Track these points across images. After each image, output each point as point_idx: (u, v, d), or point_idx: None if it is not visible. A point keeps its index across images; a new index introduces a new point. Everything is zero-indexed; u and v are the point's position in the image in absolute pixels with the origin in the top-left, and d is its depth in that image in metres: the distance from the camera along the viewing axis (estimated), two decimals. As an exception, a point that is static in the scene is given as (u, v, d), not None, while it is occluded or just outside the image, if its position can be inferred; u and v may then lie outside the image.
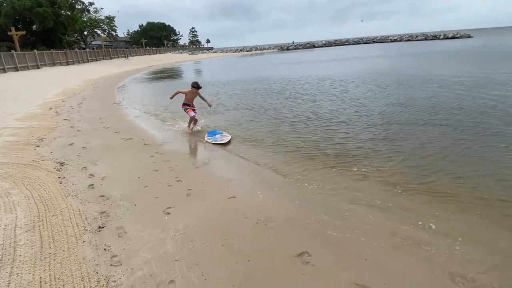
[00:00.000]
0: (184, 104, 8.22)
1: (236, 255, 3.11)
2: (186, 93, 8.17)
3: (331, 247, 3.21)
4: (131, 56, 63.71)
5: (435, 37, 79.31)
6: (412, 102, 9.86)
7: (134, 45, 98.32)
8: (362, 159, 5.51)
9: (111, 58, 55.56)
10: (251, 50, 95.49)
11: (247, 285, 2.71)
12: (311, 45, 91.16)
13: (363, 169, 5.08)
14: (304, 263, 2.98)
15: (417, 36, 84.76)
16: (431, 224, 3.49)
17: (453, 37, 74.57)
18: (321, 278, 2.79)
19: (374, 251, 3.13)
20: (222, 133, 7.53)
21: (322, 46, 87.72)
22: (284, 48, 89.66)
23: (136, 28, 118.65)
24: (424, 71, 17.95)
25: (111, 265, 2.98)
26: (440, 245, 3.13)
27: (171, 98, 8.48)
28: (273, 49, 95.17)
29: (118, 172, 5.38)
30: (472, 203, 3.92)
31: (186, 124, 8.52)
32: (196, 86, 8.14)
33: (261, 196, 4.39)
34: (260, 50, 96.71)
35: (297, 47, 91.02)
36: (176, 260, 3.02)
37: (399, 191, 4.30)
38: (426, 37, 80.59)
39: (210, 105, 8.55)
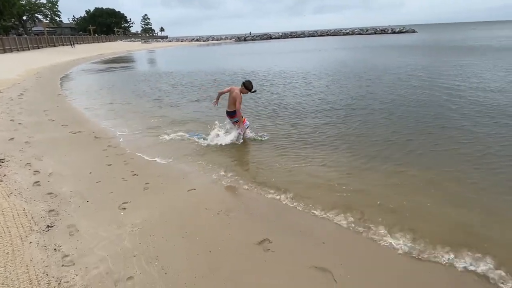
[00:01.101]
0: (233, 113, 6.08)
1: (198, 246, 3.08)
2: (233, 95, 5.96)
3: (290, 233, 3.29)
4: (77, 44, 59.45)
5: (383, 31, 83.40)
6: (372, 94, 10.34)
7: (80, 32, 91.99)
8: (319, 147, 5.69)
9: (55, 46, 51.44)
10: (208, 40, 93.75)
11: (209, 275, 2.70)
12: (268, 37, 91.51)
13: (320, 157, 5.24)
14: (265, 250, 3.03)
15: (367, 30, 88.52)
16: (379, 202, 3.70)
17: (400, 32, 79.04)
18: (282, 263, 2.85)
19: (331, 234, 3.27)
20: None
21: (278, 38, 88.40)
22: (241, 39, 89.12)
23: (83, 13, 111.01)
24: (381, 63, 18.91)
25: (62, 265, 2.80)
26: (388, 224, 3.34)
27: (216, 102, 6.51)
28: (230, 39, 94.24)
29: (67, 168, 5.04)
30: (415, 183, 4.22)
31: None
32: (249, 87, 5.98)
33: (221, 187, 4.37)
34: (217, 40, 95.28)
35: (254, 38, 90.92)
36: (134, 256, 2.92)
37: (351, 175, 4.51)
38: (375, 31, 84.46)
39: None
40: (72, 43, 55.57)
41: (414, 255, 2.91)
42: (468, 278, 2.65)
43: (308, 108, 8.69)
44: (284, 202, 3.91)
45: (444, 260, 2.84)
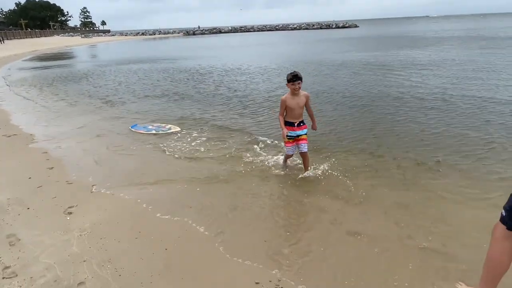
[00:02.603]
0: (288, 124, 4.27)
1: (153, 245, 3.03)
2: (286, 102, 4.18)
3: (244, 223, 3.37)
4: (7, 39, 54.09)
5: (328, 26, 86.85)
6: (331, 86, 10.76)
7: (11, 27, 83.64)
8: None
9: (-21, 41, 46.29)
10: (154, 34, 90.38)
11: (166, 272, 2.68)
12: (218, 31, 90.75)
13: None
14: (222, 240, 3.07)
15: (313, 25, 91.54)
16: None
17: (343, 27, 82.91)
18: (240, 254, 2.91)
19: (286, 219, 3.41)
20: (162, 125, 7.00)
21: (228, 32, 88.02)
22: (190, 33, 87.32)
23: (12, 6, 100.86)
24: (334, 55, 19.69)
25: (3, 277, 2.60)
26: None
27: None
28: (178, 33, 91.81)
29: (3, 174, 4.64)
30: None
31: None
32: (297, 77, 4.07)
33: (172, 185, 4.31)
34: (164, 34, 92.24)
35: (203, 32, 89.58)
36: (84, 261, 2.79)
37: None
38: (321, 26, 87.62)
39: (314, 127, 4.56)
40: (1, 39, 50.40)
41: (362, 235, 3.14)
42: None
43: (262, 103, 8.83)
44: (236, 192, 3.97)
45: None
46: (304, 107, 4.27)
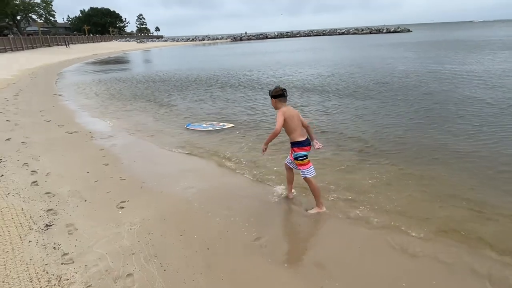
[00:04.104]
0: (296, 146, 3.57)
1: (196, 244, 3.13)
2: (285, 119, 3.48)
3: (284, 230, 3.36)
4: (72, 44, 59.13)
5: (378, 31, 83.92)
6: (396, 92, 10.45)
7: (75, 32, 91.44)
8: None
9: (49, 46, 51.13)
10: (203, 40, 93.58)
11: (208, 272, 2.75)
12: (264, 36, 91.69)
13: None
14: (261, 246, 3.09)
15: (362, 30, 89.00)
16: (371, 196, 3.77)
17: (395, 31, 79.53)
18: (280, 259, 2.91)
19: (326, 231, 3.34)
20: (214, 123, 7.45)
21: (274, 38, 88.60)
22: (237, 38, 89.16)
23: (78, 13, 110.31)
24: (391, 59, 19.07)
25: (62, 263, 2.84)
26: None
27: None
28: (226, 39, 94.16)
29: (65, 168, 5.06)
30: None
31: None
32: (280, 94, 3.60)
33: (218, 186, 4.42)
34: (213, 40, 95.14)
35: (250, 37, 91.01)
36: (133, 254, 2.96)
37: (343, 172, 4.58)
38: (371, 31, 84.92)
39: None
40: (66, 43, 55.25)
41: (406, 251, 2.98)
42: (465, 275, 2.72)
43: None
44: (278, 200, 3.96)
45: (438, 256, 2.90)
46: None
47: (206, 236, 3.26)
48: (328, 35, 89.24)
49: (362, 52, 29.25)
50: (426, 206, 3.70)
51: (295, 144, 3.56)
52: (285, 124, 3.48)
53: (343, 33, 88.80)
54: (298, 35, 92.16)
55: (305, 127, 3.69)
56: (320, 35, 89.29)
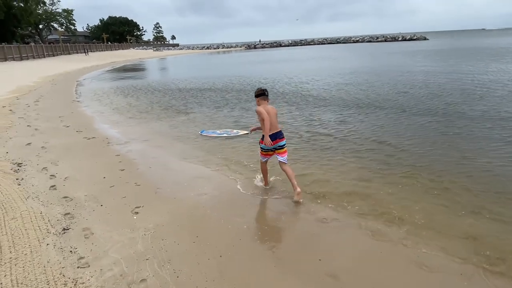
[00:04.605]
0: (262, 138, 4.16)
1: (209, 251, 3.13)
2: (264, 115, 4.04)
3: (300, 240, 3.33)
4: (91, 51, 60.84)
5: (394, 38, 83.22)
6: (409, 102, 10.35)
7: (94, 40, 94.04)
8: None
9: (69, 54, 52.79)
10: (218, 48, 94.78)
11: (220, 279, 2.74)
12: (278, 44, 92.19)
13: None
14: (275, 256, 3.07)
15: (377, 38, 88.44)
16: (390, 208, 3.70)
17: (410, 39, 78.71)
18: (293, 268, 2.88)
19: (341, 242, 3.29)
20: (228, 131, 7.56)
21: (288, 45, 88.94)
22: (251, 46, 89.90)
23: (97, 22, 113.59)
24: (411, 67, 18.90)
25: (78, 267, 2.89)
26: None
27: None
28: (240, 47, 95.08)
29: (82, 173, 5.18)
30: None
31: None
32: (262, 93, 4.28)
33: (231, 192, 4.43)
34: (227, 48, 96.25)
35: (264, 45, 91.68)
36: (147, 259, 2.99)
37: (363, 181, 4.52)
38: (386, 39, 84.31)
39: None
40: (86, 51, 56.88)
41: (423, 264, 2.91)
42: None
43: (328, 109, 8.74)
44: (292, 209, 3.94)
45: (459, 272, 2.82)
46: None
47: (218, 243, 3.26)
48: (343, 43, 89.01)
49: (379, 60, 29.09)
50: (447, 220, 3.61)
51: (262, 137, 4.13)
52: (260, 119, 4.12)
53: (357, 41, 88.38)
54: (312, 43, 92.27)
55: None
56: (334, 43, 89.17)
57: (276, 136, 4.14)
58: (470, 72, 15.80)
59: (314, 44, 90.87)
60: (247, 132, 7.23)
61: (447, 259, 2.94)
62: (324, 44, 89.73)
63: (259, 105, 4.23)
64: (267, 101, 4.28)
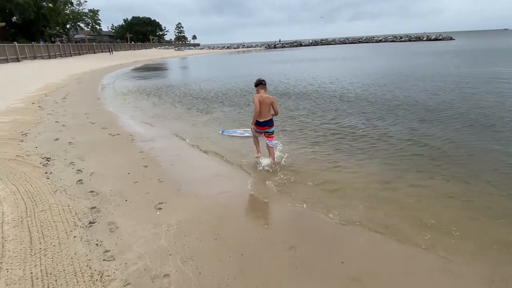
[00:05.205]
0: (258, 124, 5.08)
1: (230, 249, 3.15)
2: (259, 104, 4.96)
3: (319, 241, 3.29)
4: (115, 50, 62.46)
5: (418, 38, 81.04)
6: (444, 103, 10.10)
7: (118, 40, 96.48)
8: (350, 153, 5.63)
9: (94, 53, 54.39)
10: (238, 47, 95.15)
11: (241, 278, 2.75)
12: (298, 44, 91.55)
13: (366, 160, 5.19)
14: (296, 256, 3.04)
15: (401, 37, 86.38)
16: (414, 214, 3.60)
17: (436, 39, 76.40)
18: (314, 270, 2.85)
19: (363, 245, 3.23)
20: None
21: (308, 45, 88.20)
22: (271, 46, 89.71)
23: (121, 22, 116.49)
24: (436, 69, 18.44)
25: (104, 260, 2.97)
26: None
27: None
28: (260, 46, 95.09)
29: (107, 168, 5.31)
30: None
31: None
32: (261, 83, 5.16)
33: (252, 192, 4.43)
34: (247, 47, 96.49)
35: (284, 45, 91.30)
36: (170, 255, 3.03)
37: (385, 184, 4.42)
38: (410, 39, 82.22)
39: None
40: (110, 50, 58.43)
41: (449, 271, 2.81)
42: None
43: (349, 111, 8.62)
44: (314, 210, 3.90)
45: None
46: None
47: (240, 241, 3.27)
48: (365, 42, 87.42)
49: (406, 60, 28.29)
50: (476, 227, 3.49)
51: (257, 123, 5.05)
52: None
53: (380, 41, 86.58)
54: (333, 43, 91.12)
55: (276, 113, 5.13)
56: (356, 43, 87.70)
57: (266, 123, 5.03)
58: (506, 74, 15.15)
59: (335, 43, 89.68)
60: None
61: (475, 267, 2.83)
62: (346, 43, 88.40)
63: (258, 93, 5.05)
64: (265, 90, 5.12)
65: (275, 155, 5.27)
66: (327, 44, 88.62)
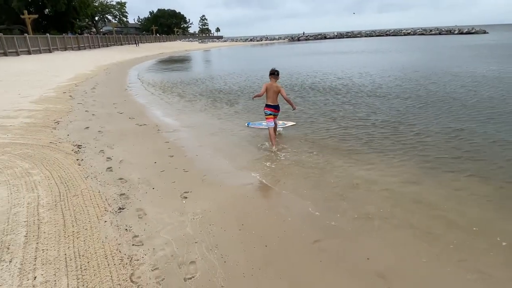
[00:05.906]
0: (267, 106, 5.96)
1: (254, 240, 3.17)
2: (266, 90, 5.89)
3: (345, 235, 3.25)
4: (141, 43, 63.61)
5: (449, 31, 77.74)
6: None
7: (144, 32, 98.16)
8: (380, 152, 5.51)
9: (121, 44, 55.54)
10: (261, 40, 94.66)
11: (266, 268, 2.77)
12: (323, 36, 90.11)
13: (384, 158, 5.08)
14: (320, 250, 3.03)
15: (431, 31, 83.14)
16: (443, 215, 3.49)
17: (468, 33, 73.02)
18: (339, 265, 2.83)
19: (393, 238, 3.17)
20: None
21: (333, 38, 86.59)
22: (295, 39, 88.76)
23: (147, 14, 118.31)
24: (477, 64, 17.72)
25: (133, 244, 3.06)
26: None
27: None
28: (284, 39, 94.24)
29: (135, 157, 5.46)
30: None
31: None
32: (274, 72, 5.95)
33: (277, 183, 4.43)
34: (270, 40, 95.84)
35: (308, 38, 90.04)
36: (196, 242, 3.09)
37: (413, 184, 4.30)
38: (440, 32, 78.99)
39: (294, 108, 6.19)
40: (136, 42, 59.56)
41: (480, 271, 2.72)
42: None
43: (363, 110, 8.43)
44: (339, 204, 3.86)
45: None
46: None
47: (263, 233, 3.29)
48: (392, 35, 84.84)
49: (438, 54, 27.24)
50: (502, 224, 3.34)
51: (266, 106, 5.94)
52: (266, 91, 5.84)
53: (408, 34, 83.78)
54: (359, 35, 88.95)
55: (285, 99, 5.88)
56: (383, 36, 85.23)
57: (274, 107, 5.90)
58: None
59: (361, 36, 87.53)
60: (294, 123, 7.26)
61: (508, 273, 2.72)
62: (372, 36, 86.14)
63: (270, 81, 5.90)
64: (276, 79, 5.92)
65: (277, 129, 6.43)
66: (353, 37, 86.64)
